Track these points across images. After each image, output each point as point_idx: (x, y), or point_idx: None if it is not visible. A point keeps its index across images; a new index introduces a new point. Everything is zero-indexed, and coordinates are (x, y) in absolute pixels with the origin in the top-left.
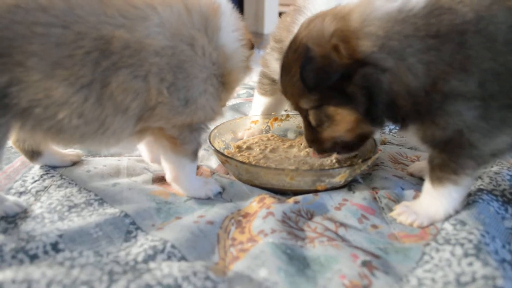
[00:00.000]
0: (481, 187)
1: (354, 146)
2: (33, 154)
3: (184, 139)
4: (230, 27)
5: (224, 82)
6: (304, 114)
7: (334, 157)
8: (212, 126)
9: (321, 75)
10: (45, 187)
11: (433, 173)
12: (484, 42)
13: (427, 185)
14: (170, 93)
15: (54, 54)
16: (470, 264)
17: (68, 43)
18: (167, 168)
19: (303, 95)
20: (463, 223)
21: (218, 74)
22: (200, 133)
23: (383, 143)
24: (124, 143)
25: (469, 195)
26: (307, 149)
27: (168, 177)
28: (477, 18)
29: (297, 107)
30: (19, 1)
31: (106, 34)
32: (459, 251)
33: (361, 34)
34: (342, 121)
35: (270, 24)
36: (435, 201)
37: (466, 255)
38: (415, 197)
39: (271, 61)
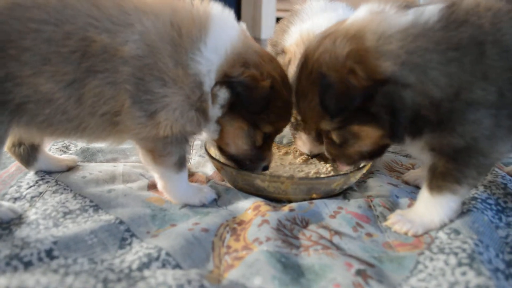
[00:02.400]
0: (475, 195)
1: (378, 154)
2: (28, 159)
3: (162, 151)
4: (214, 47)
5: (201, 109)
6: (326, 133)
7: (329, 165)
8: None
9: (342, 102)
10: (40, 193)
11: (433, 182)
12: (501, 52)
13: (424, 194)
14: (133, 104)
15: (44, 50)
16: (464, 273)
17: (57, 40)
18: (155, 178)
19: (324, 118)
20: (457, 232)
21: (188, 95)
22: (182, 145)
23: None
24: (106, 141)
25: (464, 203)
26: (302, 157)
27: (159, 186)
28: (494, 29)
29: (316, 129)
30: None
31: (90, 36)
32: (453, 260)
33: (379, 53)
34: (367, 137)
35: (267, 29)
36: (431, 209)
37: (459, 264)
38: (409, 206)
39: None
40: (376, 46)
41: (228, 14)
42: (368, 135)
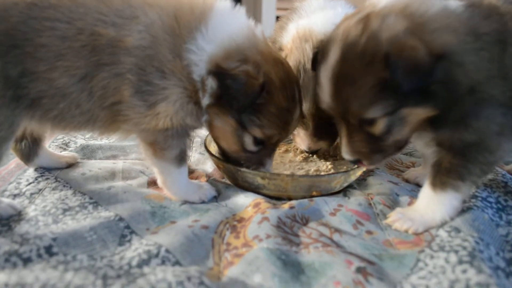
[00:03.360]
0: (476, 193)
1: (407, 143)
2: (29, 155)
3: (163, 144)
4: (205, 45)
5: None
6: (363, 126)
7: (329, 163)
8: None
9: (415, 78)
10: (40, 190)
11: (437, 178)
12: None
13: (426, 191)
14: (134, 93)
15: (58, 46)
16: (464, 271)
17: (70, 37)
18: (155, 173)
19: (374, 103)
20: (457, 230)
21: (185, 87)
22: (183, 139)
23: None
24: (115, 134)
25: (464, 201)
26: (302, 154)
27: (158, 181)
28: None
29: (350, 121)
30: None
31: (97, 31)
32: (453, 258)
33: (436, 29)
34: (413, 121)
35: (268, 28)
36: (433, 207)
37: (460, 262)
38: (410, 204)
39: None
40: (433, 21)
41: (236, 10)
42: (415, 118)
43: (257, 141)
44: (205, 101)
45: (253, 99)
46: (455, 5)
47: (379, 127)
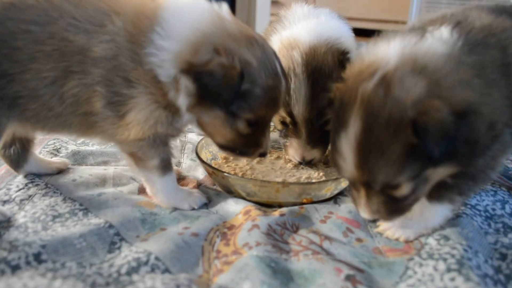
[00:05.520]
0: (465, 201)
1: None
2: (18, 161)
3: (141, 155)
4: (165, 44)
5: (168, 104)
6: (385, 190)
7: (321, 170)
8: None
9: (444, 142)
10: (30, 196)
11: (436, 192)
12: None
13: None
14: (105, 105)
15: (31, 49)
16: (453, 279)
17: (42, 40)
18: (143, 181)
19: (403, 169)
20: (446, 238)
21: (152, 92)
22: (161, 148)
23: None
24: (96, 139)
25: (453, 210)
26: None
27: (147, 189)
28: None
29: (372, 185)
30: (14, 0)
31: (67, 36)
32: (442, 266)
33: (452, 84)
34: (436, 178)
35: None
36: (426, 216)
37: (448, 270)
38: None
39: None
40: (447, 75)
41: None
42: (438, 176)
43: (250, 123)
44: (182, 101)
45: (236, 90)
46: (452, 42)
47: (403, 190)
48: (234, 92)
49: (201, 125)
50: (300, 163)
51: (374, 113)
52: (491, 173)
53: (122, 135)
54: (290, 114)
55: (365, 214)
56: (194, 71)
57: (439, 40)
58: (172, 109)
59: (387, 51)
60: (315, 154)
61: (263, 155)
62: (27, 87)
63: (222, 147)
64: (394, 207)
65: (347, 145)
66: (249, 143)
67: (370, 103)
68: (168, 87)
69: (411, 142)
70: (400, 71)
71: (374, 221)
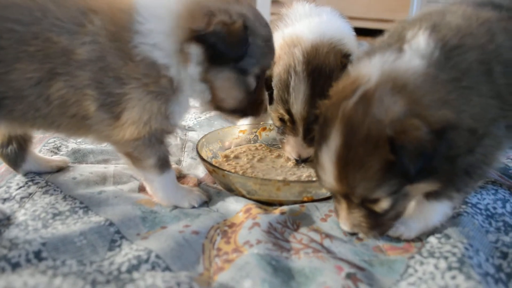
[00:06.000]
0: (466, 200)
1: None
2: (16, 160)
3: (137, 154)
4: (151, 21)
5: (164, 90)
6: (365, 204)
7: None
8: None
9: (421, 161)
10: (30, 194)
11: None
12: (504, 68)
13: (419, 198)
14: (98, 108)
15: (16, 49)
16: (454, 277)
17: (26, 40)
18: (142, 180)
19: (380, 185)
20: (447, 236)
21: (145, 83)
22: (157, 147)
23: None
24: (87, 138)
25: (454, 208)
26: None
27: (147, 188)
28: (494, 46)
29: (352, 199)
30: None
31: (51, 37)
32: (443, 264)
33: (430, 103)
34: (416, 194)
35: None
36: (426, 214)
37: (449, 268)
38: None
39: None
40: (425, 94)
41: None
42: (418, 192)
43: (257, 77)
44: (194, 71)
45: (245, 43)
46: (426, 48)
47: (383, 205)
48: (244, 45)
49: (214, 94)
50: (296, 161)
51: (353, 130)
52: (487, 168)
53: (118, 135)
54: (289, 111)
55: (345, 226)
56: (198, 36)
57: (417, 53)
58: (165, 95)
59: (368, 69)
60: (311, 152)
61: (262, 108)
62: (12, 88)
63: (232, 111)
64: (375, 222)
65: (327, 158)
66: (254, 100)
67: (350, 120)
68: (168, 66)
69: (388, 159)
70: (380, 89)
71: (354, 234)
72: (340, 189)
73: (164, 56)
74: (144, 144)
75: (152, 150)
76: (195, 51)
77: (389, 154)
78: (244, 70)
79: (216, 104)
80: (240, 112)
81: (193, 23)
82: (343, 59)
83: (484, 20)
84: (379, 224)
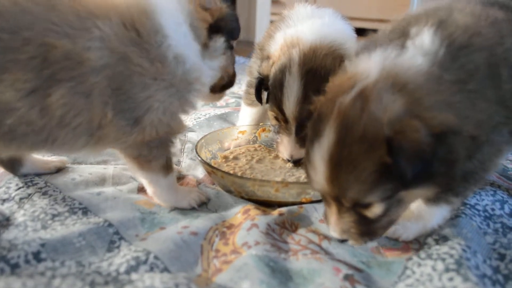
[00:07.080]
0: (465, 201)
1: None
2: (13, 166)
3: (148, 156)
4: (174, 22)
5: (187, 86)
6: (356, 208)
7: None
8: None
9: (419, 165)
10: (29, 195)
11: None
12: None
13: (418, 201)
14: (115, 115)
15: (2, 59)
16: (451, 279)
17: (15, 48)
18: (144, 184)
19: (373, 189)
20: (445, 238)
21: (171, 83)
22: (166, 148)
23: None
24: (79, 153)
25: (451, 210)
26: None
27: (148, 191)
28: (503, 48)
29: (343, 203)
30: None
31: (49, 41)
32: (440, 266)
33: (432, 104)
34: (411, 201)
35: (261, 33)
36: (424, 217)
37: (447, 270)
38: None
39: (256, 70)
40: (427, 95)
41: None
42: (413, 199)
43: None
44: (216, 62)
45: (236, 19)
46: (430, 46)
47: (375, 211)
48: (236, 23)
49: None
50: (288, 161)
51: (348, 127)
52: (485, 174)
53: (135, 140)
54: (282, 110)
55: (334, 232)
56: (215, 25)
57: (421, 51)
58: (185, 94)
59: (368, 64)
60: (303, 153)
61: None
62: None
63: (223, 86)
64: (366, 228)
65: (319, 157)
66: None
67: (345, 117)
68: (194, 63)
69: (384, 161)
70: (380, 86)
71: (343, 241)
72: (331, 191)
73: (192, 54)
74: (157, 146)
75: (162, 151)
76: (218, 43)
77: (385, 156)
78: (232, 46)
79: (212, 86)
80: (229, 85)
81: (205, 17)
82: (342, 63)
83: (494, 20)
84: (370, 231)
